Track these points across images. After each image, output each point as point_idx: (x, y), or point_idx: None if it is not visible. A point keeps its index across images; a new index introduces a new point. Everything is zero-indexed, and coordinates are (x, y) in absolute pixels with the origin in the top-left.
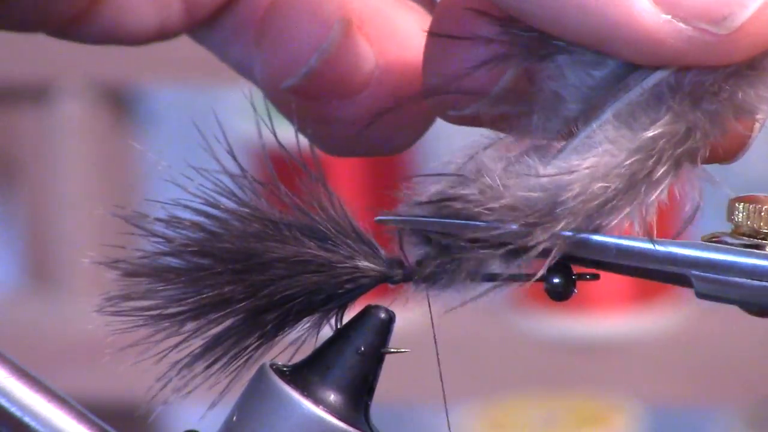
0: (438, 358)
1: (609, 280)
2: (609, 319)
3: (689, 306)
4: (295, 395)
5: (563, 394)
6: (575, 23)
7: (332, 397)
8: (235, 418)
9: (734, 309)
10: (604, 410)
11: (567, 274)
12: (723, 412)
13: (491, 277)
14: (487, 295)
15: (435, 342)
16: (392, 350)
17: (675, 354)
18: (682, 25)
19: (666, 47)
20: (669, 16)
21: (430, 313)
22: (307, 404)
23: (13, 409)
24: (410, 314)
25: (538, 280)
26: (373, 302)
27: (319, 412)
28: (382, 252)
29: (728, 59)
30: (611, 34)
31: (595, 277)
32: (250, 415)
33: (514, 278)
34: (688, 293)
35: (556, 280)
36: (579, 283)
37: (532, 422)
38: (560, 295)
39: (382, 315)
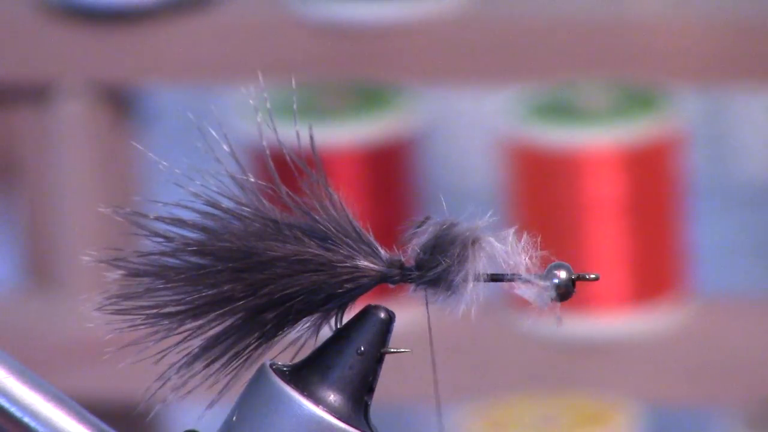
0: (433, 359)
1: (609, 280)
2: (609, 319)
3: (689, 306)
4: (295, 395)
5: (563, 394)
6: None
7: (332, 397)
8: (234, 417)
9: (734, 309)
10: (604, 410)
11: (567, 274)
12: (723, 412)
13: (489, 278)
14: (486, 296)
15: (431, 343)
16: (392, 350)
17: (675, 354)
18: None
19: None
20: None
21: (428, 313)
22: (307, 404)
23: (13, 409)
24: (410, 314)
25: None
26: (373, 302)
27: (319, 411)
28: (382, 252)
29: None
30: None
31: (596, 277)
32: (249, 414)
33: (512, 279)
34: (688, 293)
35: (555, 281)
36: (579, 284)
37: (532, 422)
38: (560, 295)
39: (382, 315)
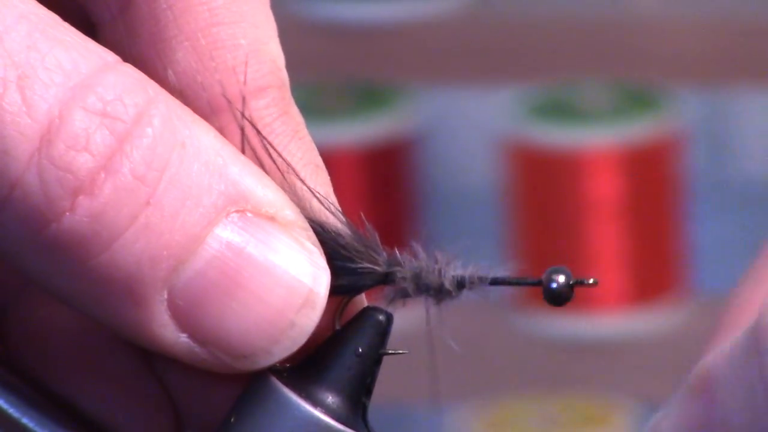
0: (434, 361)
1: (609, 280)
2: (609, 319)
3: (689, 306)
4: (293, 397)
5: (563, 394)
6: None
7: (330, 398)
8: (232, 419)
9: None
10: (604, 410)
11: (565, 279)
12: None
13: (489, 282)
14: (486, 297)
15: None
16: (390, 352)
17: (675, 354)
18: (197, 348)
19: (177, 357)
20: (185, 335)
21: (428, 314)
22: (304, 406)
23: (11, 411)
24: (408, 315)
25: (535, 285)
26: (371, 303)
27: (317, 413)
28: (382, 253)
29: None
30: (127, 335)
31: (594, 282)
32: (247, 416)
33: (511, 282)
34: (687, 293)
35: (554, 285)
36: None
37: (533, 422)
38: (558, 300)
39: (381, 316)
